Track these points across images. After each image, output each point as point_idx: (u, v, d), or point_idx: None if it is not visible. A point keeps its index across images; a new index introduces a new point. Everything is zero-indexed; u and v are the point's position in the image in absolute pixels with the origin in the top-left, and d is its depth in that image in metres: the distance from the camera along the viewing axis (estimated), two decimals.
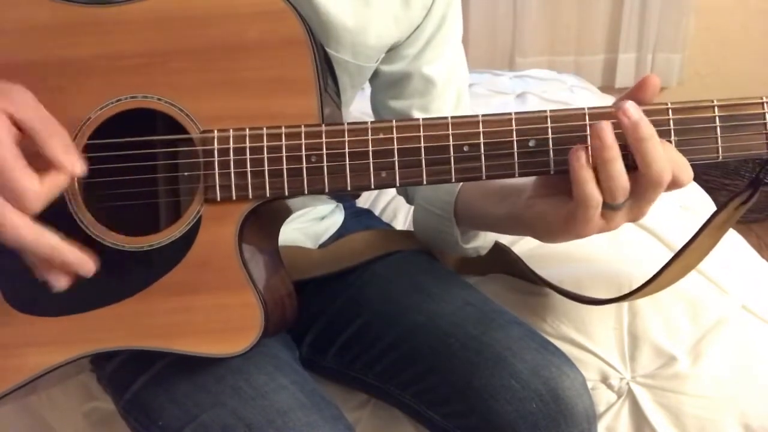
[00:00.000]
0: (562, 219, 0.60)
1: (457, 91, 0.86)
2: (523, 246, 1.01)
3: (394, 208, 1.22)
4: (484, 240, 0.85)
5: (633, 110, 0.55)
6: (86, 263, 0.58)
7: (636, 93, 0.59)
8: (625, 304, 0.91)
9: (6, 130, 0.53)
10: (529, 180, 0.65)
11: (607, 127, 0.55)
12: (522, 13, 2.45)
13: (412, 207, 0.88)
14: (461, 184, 0.77)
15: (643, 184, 0.57)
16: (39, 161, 0.55)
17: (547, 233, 0.64)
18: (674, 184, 0.57)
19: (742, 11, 2.47)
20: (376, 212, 1.17)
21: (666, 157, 0.56)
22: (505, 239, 0.99)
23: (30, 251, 0.56)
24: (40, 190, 0.54)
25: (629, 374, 0.89)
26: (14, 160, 0.53)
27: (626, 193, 0.57)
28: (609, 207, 0.58)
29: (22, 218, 0.54)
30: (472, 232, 0.82)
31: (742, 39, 2.49)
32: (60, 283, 0.58)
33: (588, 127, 0.59)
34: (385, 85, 0.85)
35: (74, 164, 0.56)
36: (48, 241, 0.56)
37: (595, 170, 0.56)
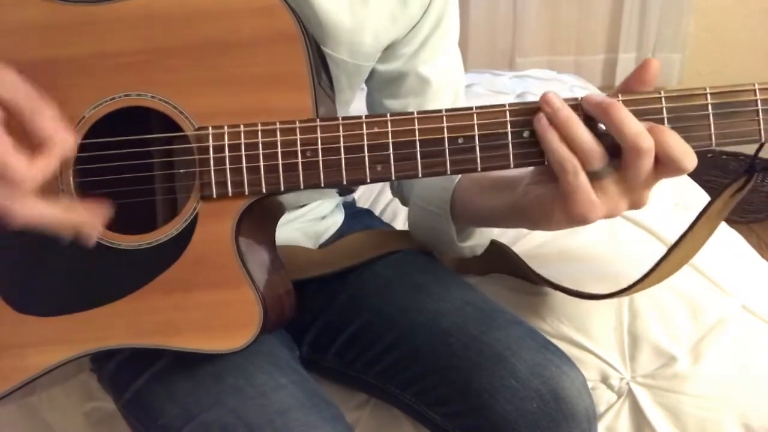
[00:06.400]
0: (558, 201, 0.60)
1: (454, 92, 0.86)
2: (523, 246, 1.01)
3: (393, 209, 1.21)
4: (480, 238, 0.84)
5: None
6: (97, 215, 0.58)
7: (638, 74, 0.59)
8: (625, 305, 0.91)
9: None
10: (525, 170, 0.65)
11: (551, 94, 0.58)
12: (522, 13, 2.45)
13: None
14: (457, 180, 0.77)
15: (624, 157, 0.56)
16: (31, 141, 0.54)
17: (544, 218, 0.63)
18: (675, 167, 0.56)
19: (742, 11, 2.46)
20: (376, 212, 1.17)
21: (643, 128, 0.56)
22: (505, 239, 0.99)
23: (39, 228, 0.55)
24: (28, 171, 0.52)
25: (629, 374, 0.89)
26: None
27: (600, 156, 0.57)
28: (593, 175, 0.58)
29: (19, 201, 0.53)
30: (468, 229, 0.82)
31: (742, 39, 2.49)
32: (91, 238, 0.60)
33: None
34: (381, 84, 0.85)
35: (63, 138, 0.54)
36: (52, 213, 0.55)
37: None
